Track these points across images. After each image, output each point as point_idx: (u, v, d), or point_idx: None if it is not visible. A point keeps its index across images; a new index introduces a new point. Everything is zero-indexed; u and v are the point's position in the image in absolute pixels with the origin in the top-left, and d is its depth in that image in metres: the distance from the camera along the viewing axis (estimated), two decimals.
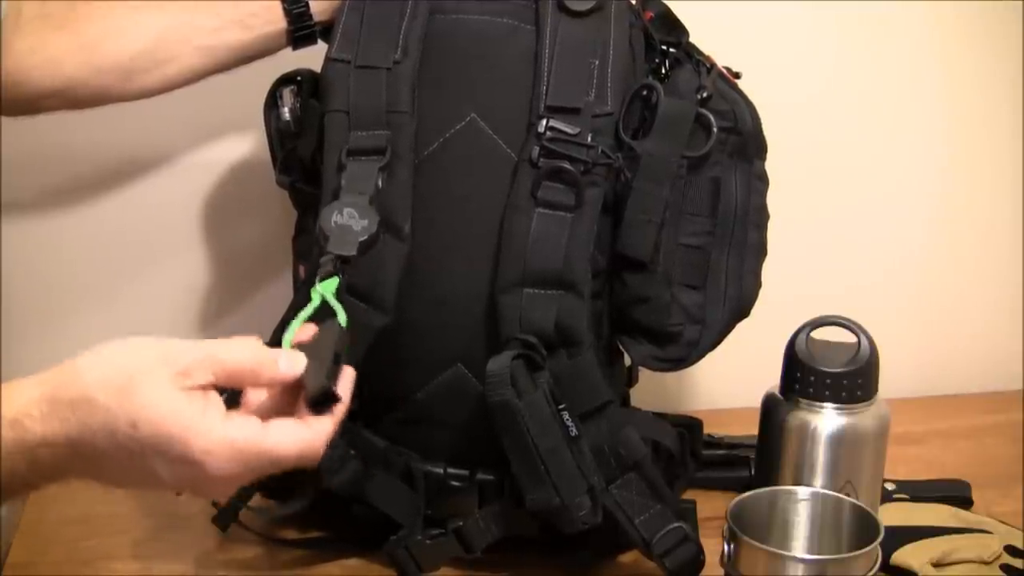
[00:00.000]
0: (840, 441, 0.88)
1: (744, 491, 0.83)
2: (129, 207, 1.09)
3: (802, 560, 0.78)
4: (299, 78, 0.90)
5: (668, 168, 0.85)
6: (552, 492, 0.78)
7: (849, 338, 0.89)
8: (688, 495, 0.97)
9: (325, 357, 0.64)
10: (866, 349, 0.88)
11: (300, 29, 0.88)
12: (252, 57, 0.89)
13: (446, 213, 0.85)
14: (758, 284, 0.91)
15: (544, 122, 0.82)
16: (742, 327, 0.91)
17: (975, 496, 1.02)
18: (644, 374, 0.98)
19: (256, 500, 0.90)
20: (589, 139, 0.82)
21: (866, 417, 0.88)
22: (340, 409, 0.64)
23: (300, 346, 0.66)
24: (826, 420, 0.87)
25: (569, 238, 0.82)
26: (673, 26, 0.91)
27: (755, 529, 0.79)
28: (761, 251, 0.91)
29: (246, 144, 1.08)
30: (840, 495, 0.84)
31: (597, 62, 0.83)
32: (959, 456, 1.12)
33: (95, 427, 0.59)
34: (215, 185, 1.10)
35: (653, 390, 1.07)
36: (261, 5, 0.87)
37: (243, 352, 0.63)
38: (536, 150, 0.82)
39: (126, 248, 1.10)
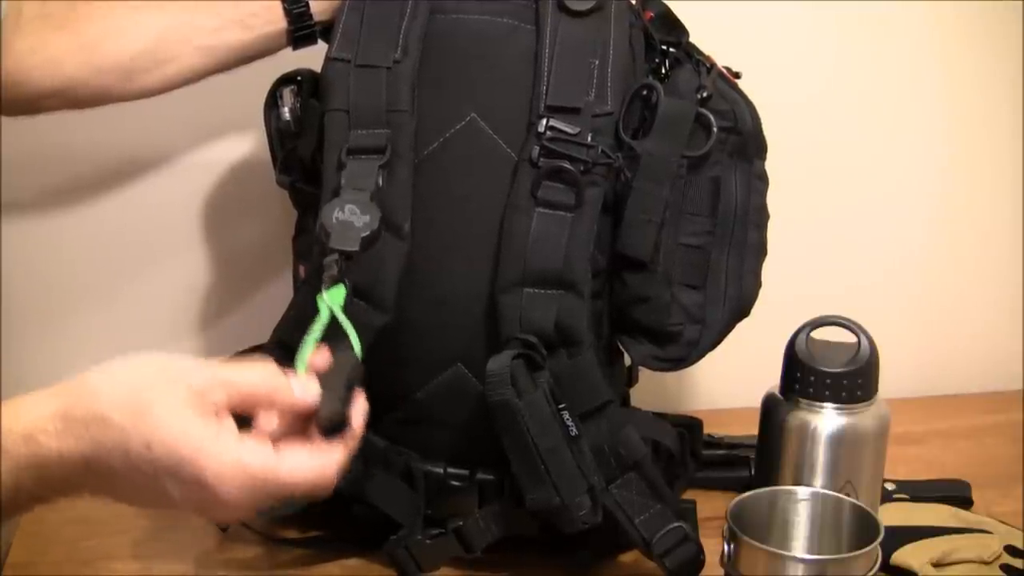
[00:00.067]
0: (840, 441, 0.88)
1: (744, 491, 0.83)
2: (129, 207, 1.09)
3: (802, 560, 0.78)
4: (299, 78, 0.90)
5: (668, 168, 0.85)
6: (552, 492, 0.78)
7: (849, 338, 0.89)
8: (688, 495, 0.97)
9: (339, 385, 0.65)
10: (866, 349, 0.88)
11: (300, 29, 0.88)
12: (252, 57, 0.89)
13: (446, 213, 0.85)
14: (758, 284, 0.91)
15: (544, 122, 0.82)
16: (742, 327, 0.91)
17: (975, 496, 1.02)
18: (644, 374, 0.99)
19: None
20: (589, 139, 0.82)
21: (866, 417, 0.88)
22: (353, 438, 0.64)
23: (314, 372, 0.66)
24: (826, 420, 0.87)
25: (569, 238, 0.82)
26: (673, 26, 0.91)
27: (755, 529, 0.79)
28: (761, 251, 0.91)
29: (246, 144, 1.08)
30: (840, 495, 0.84)
31: (597, 62, 0.83)
32: (959, 456, 1.12)
33: (109, 446, 0.60)
34: (215, 185, 1.10)
35: (653, 390, 1.07)
36: (261, 5, 0.87)
37: (258, 376, 0.63)
38: (536, 150, 0.82)
39: (126, 248, 1.10)
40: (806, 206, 1.16)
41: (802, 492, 0.84)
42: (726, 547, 0.79)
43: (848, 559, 0.77)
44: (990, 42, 1.21)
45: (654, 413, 0.93)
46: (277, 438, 0.63)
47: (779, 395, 0.90)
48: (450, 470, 0.87)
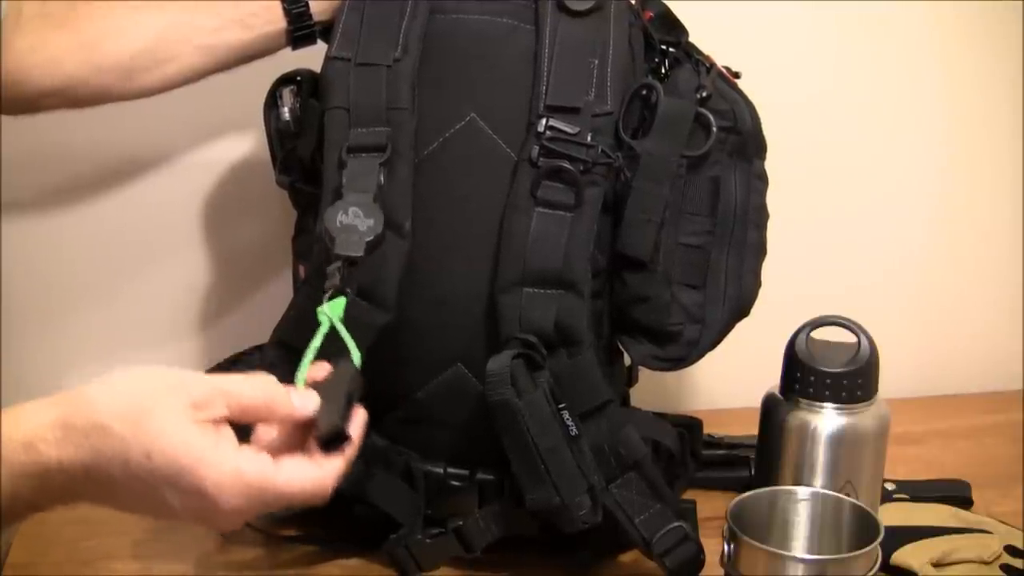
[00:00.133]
0: (840, 441, 0.88)
1: (744, 491, 0.83)
2: (129, 206, 1.09)
3: (802, 560, 0.78)
4: (299, 78, 0.90)
5: (668, 167, 0.85)
6: (552, 491, 0.78)
7: (849, 338, 0.89)
8: (688, 495, 0.97)
9: (338, 397, 0.65)
10: (866, 349, 0.88)
11: (300, 29, 0.88)
12: (252, 56, 0.89)
13: (446, 213, 0.85)
14: (758, 283, 0.91)
15: (544, 121, 0.82)
16: (742, 327, 0.91)
17: (975, 496, 1.02)
18: (644, 374, 0.99)
19: None
20: (589, 138, 0.82)
21: (866, 417, 0.88)
22: (351, 449, 0.65)
23: (313, 384, 0.67)
24: (826, 420, 0.87)
25: (569, 237, 0.82)
26: (672, 26, 0.91)
27: (755, 529, 0.79)
28: (761, 250, 0.91)
29: (246, 144, 1.08)
30: (840, 495, 0.84)
31: (597, 62, 0.83)
32: (959, 456, 1.12)
33: (109, 455, 0.60)
34: (215, 185, 1.10)
35: (653, 390, 1.07)
36: (261, 5, 0.87)
37: (257, 388, 0.64)
38: (536, 149, 0.82)
39: (126, 247, 1.10)
40: (806, 206, 1.16)
41: (802, 492, 0.84)
42: (726, 547, 0.79)
43: (848, 559, 0.77)
44: (990, 42, 1.21)
45: (654, 413, 0.93)
46: (276, 449, 0.64)
47: (779, 395, 0.90)
48: (450, 470, 0.87)
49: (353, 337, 0.70)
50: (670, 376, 1.04)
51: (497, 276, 0.82)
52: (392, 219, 0.80)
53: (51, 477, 0.60)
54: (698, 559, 0.83)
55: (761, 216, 0.91)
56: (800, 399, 0.88)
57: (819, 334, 0.90)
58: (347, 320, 0.71)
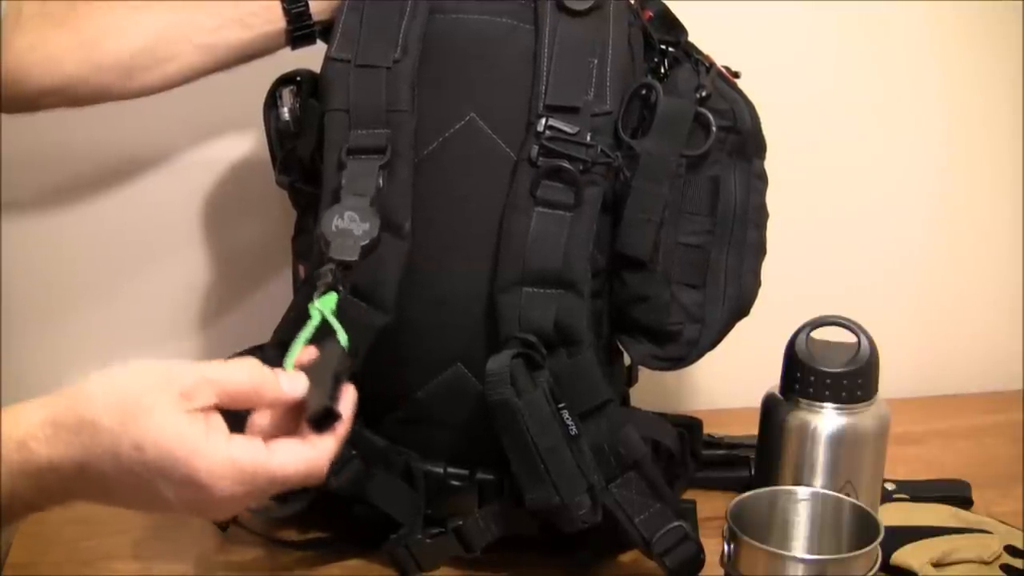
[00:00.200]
0: (840, 441, 0.88)
1: (744, 491, 0.83)
2: (129, 206, 1.09)
3: (802, 560, 0.78)
4: (298, 78, 0.90)
5: (667, 167, 0.85)
6: (552, 491, 0.78)
7: (849, 338, 0.89)
8: (688, 495, 0.97)
9: (326, 377, 0.65)
10: (866, 349, 0.88)
11: (299, 29, 0.88)
12: (252, 56, 0.89)
13: (445, 213, 0.85)
14: (758, 283, 0.91)
15: (543, 121, 0.82)
16: (742, 327, 0.91)
17: (975, 496, 1.02)
18: (644, 374, 0.99)
19: None
20: (588, 138, 0.82)
21: (866, 417, 0.88)
22: (342, 428, 0.65)
23: (301, 367, 0.67)
24: (826, 420, 0.87)
25: (568, 237, 0.82)
26: (672, 25, 0.91)
27: (755, 529, 0.79)
28: (760, 250, 0.91)
29: (246, 143, 1.08)
30: (840, 495, 0.84)
31: (596, 61, 0.83)
32: (959, 456, 1.12)
33: (100, 451, 0.60)
34: (215, 184, 1.10)
35: (653, 390, 1.07)
36: (261, 5, 0.87)
37: (245, 373, 0.63)
38: (535, 149, 0.82)
39: (126, 247, 1.10)
40: (806, 206, 1.16)
41: (802, 492, 0.84)
42: (726, 547, 0.79)
43: (848, 559, 0.77)
44: (990, 42, 1.21)
45: (654, 413, 0.93)
46: (268, 434, 0.64)
47: (779, 395, 0.90)
48: (450, 470, 0.87)
49: (352, 338, 0.70)
50: (670, 376, 1.05)
51: (497, 276, 0.82)
52: (391, 220, 0.81)
53: (44, 476, 0.60)
54: (698, 559, 0.83)
55: (761, 216, 0.91)
56: (800, 399, 0.88)
57: (819, 334, 0.90)
58: (345, 320, 0.71)
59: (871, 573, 0.76)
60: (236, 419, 0.63)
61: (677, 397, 1.20)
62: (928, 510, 0.97)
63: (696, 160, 0.87)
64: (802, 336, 0.89)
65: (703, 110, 0.86)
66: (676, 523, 0.83)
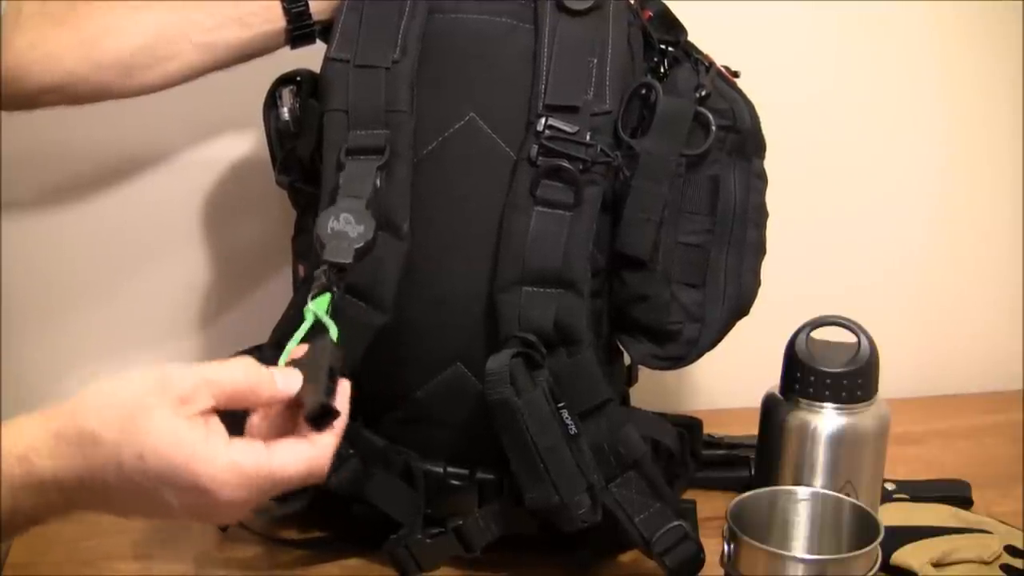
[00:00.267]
0: (840, 441, 0.88)
1: (744, 491, 0.83)
2: (129, 205, 1.09)
3: (802, 560, 0.78)
4: (298, 78, 0.90)
5: (667, 166, 0.85)
6: (551, 490, 0.78)
7: (849, 338, 0.89)
8: (688, 495, 0.97)
9: (319, 373, 0.65)
10: (866, 349, 0.88)
11: (299, 28, 0.88)
12: (251, 55, 0.89)
13: (445, 212, 0.85)
14: (757, 282, 0.91)
15: (543, 121, 0.82)
16: (742, 327, 0.91)
17: (975, 496, 1.02)
18: (644, 373, 0.98)
19: None
20: (588, 138, 0.82)
21: (866, 417, 0.88)
22: (340, 423, 0.65)
23: (294, 363, 0.66)
24: (826, 420, 0.87)
25: (568, 236, 0.82)
26: (671, 25, 0.91)
27: (755, 529, 0.79)
28: (760, 249, 0.91)
29: (246, 143, 1.08)
30: (840, 495, 0.84)
31: (596, 61, 0.83)
32: (959, 456, 1.12)
33: (102, 462, 0.60)
34: (215, 183, 1.10)
35: (653, 389, 1.06)
36: (260, 4, 0.87)
37: (240, 373, 0.63)
38: (535, 149, 0.82)
39: (126, 246, 1.10)
40: (806, 206, 1.16)
41: (802, 492, 0.84)
42: (726, 547, 0.79)
43: (848, 559, 0.77)
44: (990, 42, 1.21)
45: (654, 413, 0.93)
46: (266, 434, 0.64)
47: (779, 395, 0.90)
48: (450, 469, 0.87)
49: (351, 338, 0.70)
50: (670, 376, 1.04)
51: (496, 275, 0.82)
52: (390, 220, 0.81)
53: (47, 489, 0.60)
54: (698, 558, 0.83)
55: (760, 215, 0.91)
56: (800, 399, 0.88)
57: (819, 334, 0.90)
58: (343, 320, 0.71)
59: (871, 573, 0.76)
60: (234, 421, 0.63)
61: (677, 397, 1.20)
62: (928, 510, 0.97)
63: (696, 159, 0.87)
64: (802, 336, 0.89)
65: (703, 109, 0.86)
66: (676, 523, 0.83)
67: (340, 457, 0.84)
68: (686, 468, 0.97)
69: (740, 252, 0.89)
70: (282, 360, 0.67)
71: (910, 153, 1.23)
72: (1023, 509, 0.98)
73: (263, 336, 0.87)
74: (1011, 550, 0.91)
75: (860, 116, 1.20)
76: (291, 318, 0.85)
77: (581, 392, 0.82)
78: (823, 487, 0.87)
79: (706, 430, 1.02)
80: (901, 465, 1.01)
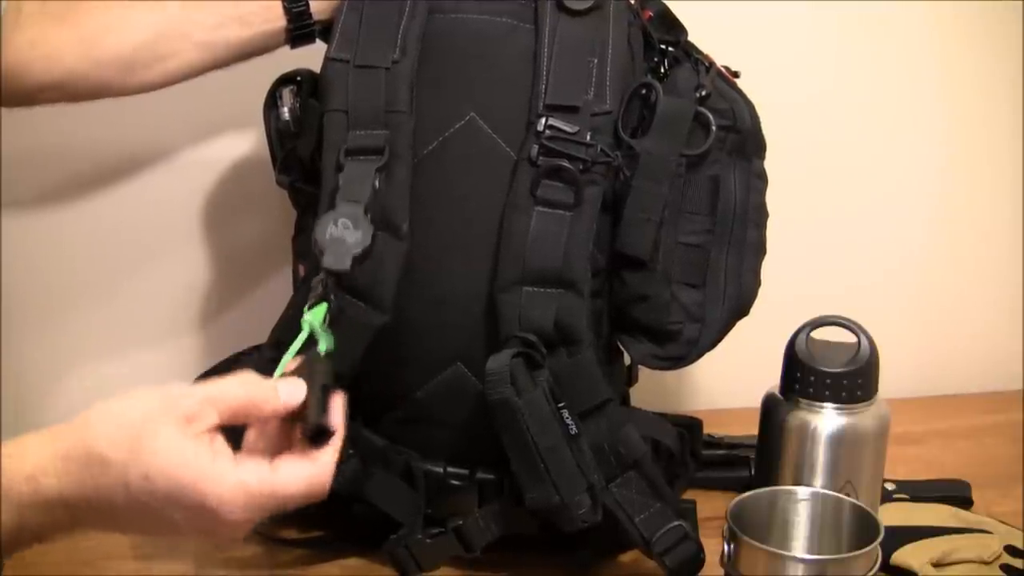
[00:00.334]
0: (840, 441, 0.88)
1: (744, 491, 0.83)
2: (129, 205, 1.09)
3: (802, 560, 0.78)
4: (299, 78, 0.90)
5: (667, 166, 0.85)
6: (552, 490, 0.78)
7: (849, 338, 0.89)
8: (688, 495, 0.97)
9: (314, 390, 0.65)
10: (866, 349, 0.88)
11: (299, 28, 0.88)
12: (251, 54, 0.89)
13: (445, 212, 0.85)
14: (757, 282, 0.91)
15: (543, 121, 0.82)
16: (742, 327, 0.91)
17: (975, 496, 1.02)
18: (644, 373, 0.98)
19: None
20: (588, 138, 0.82)
21: (866, 417, 0.88)
22: (338, 438, 0.65)
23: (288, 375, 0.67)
24: (826, 420, 0.87)
25: (568, 236, 0.82)
26: (672, 25, 0.91)
27: (755, 529, 0.79)
28: (760, 249, 0.91)
29: (246, 142, 1.08)
30: (840, 495, 0.84)
31: (596, 61, 0.83)
32: (959, 456, 1.12)
33: (110, 483, 0.60)
34: (215, 183, 1.10)
35: (653, 389, 1.07)
36: (261, 3, 0.87)
37: (243, 388, 0.64)
38: (535, 149, 0.82)
39: (126, 245, 1.10)
40: (806, 206, 1.16)
41: (802, 492, 0.84)
42: (726, 547, 0.79)
43: (848, 559, 0.77)
44: (990, 42, 1.21)
45: (654, 413, 0.93)
46: (264, 449, 0.64)
47: (779, 395, 0.90)
48: (450, 469, 0.87)
49: (351, 338, 0.70)
50: (670, 376, 1.04)
51: (496, 275, 0.82)
52: (390, 220, 0.81)
53: (54, 508, 0.61)
54: (698, 558, 0.83)
55: (761, 215, 0.91)
56: (800, 399, 0.88)
57: (819, 334, 0.90)
58: (343, 320, 0.71)
59: (871, 573, 0.76)
60: (235, 435, 0.64)
61: (677, 397, 1.20)
62: (928, 510, 0.97)
63: (696, 159, 0.87)
64: (802, 336, 0.89)
65: (703, 109, 0.86)
66: (676, 523, 0.83)
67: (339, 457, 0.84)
68: (686, 468, 0.97)
69: (740, 252, 0.89)
70: (277, 373, 0.67)
71: (910, 153, 1.23)
72: (1023, 509, 0.99)
73: (263, 336, 0.87)
74: (1011, 550, 0.91)
75: (860, 116, 1.20)
76: (290, 318, 0.84)
77: (581, 392, 0.81)
78: (823, 487, 0.87)
79: (706, 430, 1.02)
80: (901, 465, 1.01)
